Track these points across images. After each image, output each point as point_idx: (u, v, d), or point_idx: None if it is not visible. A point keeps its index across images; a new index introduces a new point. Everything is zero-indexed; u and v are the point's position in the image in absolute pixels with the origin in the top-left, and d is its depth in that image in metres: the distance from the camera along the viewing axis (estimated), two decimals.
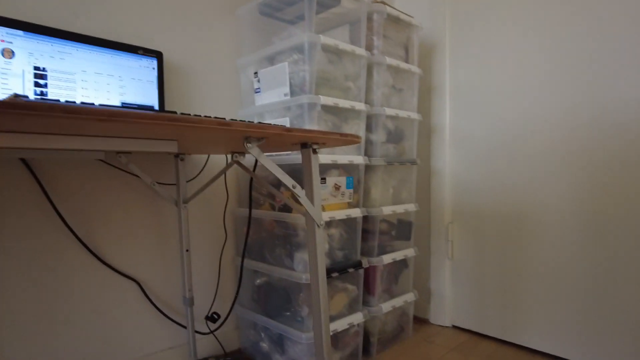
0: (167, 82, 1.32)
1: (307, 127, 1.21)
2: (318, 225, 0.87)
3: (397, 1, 1.85)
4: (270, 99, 1.30)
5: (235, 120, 0.69)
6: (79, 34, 1.08)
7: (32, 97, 1.00)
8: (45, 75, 1.02)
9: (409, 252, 1.57)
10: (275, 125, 0.74)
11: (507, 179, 1.52)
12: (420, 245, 1.81)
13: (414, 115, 1.56)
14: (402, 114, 1.48)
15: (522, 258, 1.49)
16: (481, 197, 1.61)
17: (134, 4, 1.23)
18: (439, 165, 1.71)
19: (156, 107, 1.22)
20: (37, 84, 1.01)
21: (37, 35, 1.02)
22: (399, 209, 1.49)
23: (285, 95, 1.25)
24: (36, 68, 1.01)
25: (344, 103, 1.26)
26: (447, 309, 1.72)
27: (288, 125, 1.24)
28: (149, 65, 1.21)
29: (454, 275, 1.72)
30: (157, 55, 1.23)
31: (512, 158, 1.50)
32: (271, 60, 1.32)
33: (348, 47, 1.28)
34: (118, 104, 1.14)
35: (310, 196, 0.89)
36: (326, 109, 1.22)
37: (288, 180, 0.83)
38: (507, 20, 1.50)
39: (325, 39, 1.19)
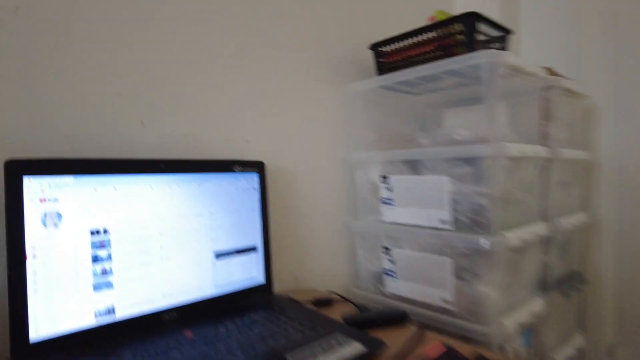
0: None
1: (485, 279, 0.80)
2: None
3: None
4: (412, 219, 0.89)
5: None
6: (153, 160, 0.69)
7: (90, 290, 0.61)
8: (107, 241, 0.63)
9: None
10: None
11: None
12: None
13: (584, 218, 1.14)
14: (575, 221, 1.07)
15: None
16: None
17: (215, 101, 0.83)
18: (599, 271, 1.29)
19: (260, 245, 0.82)
20: (95, 259, 0.61)
21: (94, 176, 0.62)
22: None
23: (444, 223, 0.83)
24: (93, 233, 0.62)
25: (529, 235, 0.85)
26: None
27: (450, 273, 0.83)
28: (248, 185, 0.81)
29: None
30: (258, 168, 0.83)
31: None
32: (413, 165, 0.91)
33: (531, 149, 0.86)
34: (211, 256, 0.74)
35: None
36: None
37: None
38: None
39: (512, 148, 0.78)
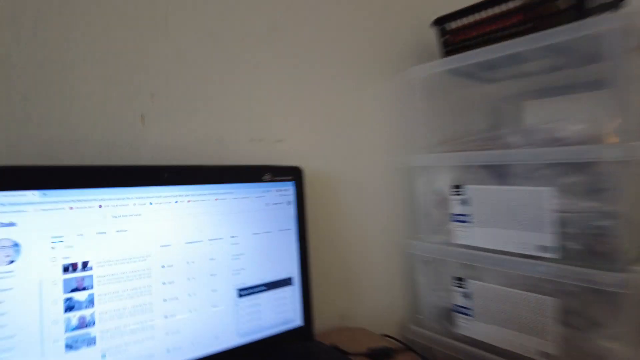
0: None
1: (609, 329, 0.57)
2: None
3: None
4: (497, 243, 0.68)
5: None
6: (154, 167, 0.51)
7: (61, 350, 0.43)
8: (88, 279, 0.45)
9: None
10: None
11: None
12: None
13: None
14: None
15: None
16: None
17: (237, 90, 0.64)
18: None
19: (296, 276, 0.62)
20: (70, 305, 0.43)
21: (70, 190, 0.44)
22: None
23: (545, 250, 0.61)
24: (68, 269, 0.44)
25: None
26: None
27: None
28: (281, 199, 0.62)
29: None
30: (294, 176, 0.63)
31: None
32: (498, 172, 0.69)
33: None
34: (233, 294, 0.55)
35: None
36: None
37: None
38: None
39: None
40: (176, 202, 0.52)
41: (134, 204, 0.49)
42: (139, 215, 0.50)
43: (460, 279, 0.74)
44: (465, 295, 0.73)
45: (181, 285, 0.52)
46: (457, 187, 0.74)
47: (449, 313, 0.77)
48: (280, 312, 0.61)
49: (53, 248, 0.44)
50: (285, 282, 0.62)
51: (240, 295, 0.57)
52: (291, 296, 0.62)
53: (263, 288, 0.59)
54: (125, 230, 0.49)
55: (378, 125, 0.82)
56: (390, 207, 0.84)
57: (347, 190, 0.77)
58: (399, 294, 0.85)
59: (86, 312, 0.46)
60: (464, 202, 0.73)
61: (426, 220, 0.81)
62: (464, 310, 0.74)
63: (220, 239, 0.56)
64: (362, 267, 0.79)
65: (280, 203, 0.63)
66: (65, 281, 0.45)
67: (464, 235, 0.74)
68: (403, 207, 0.85)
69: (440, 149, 0.79)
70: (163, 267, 0.51)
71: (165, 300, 0.51)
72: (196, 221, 0.54)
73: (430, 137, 0.82)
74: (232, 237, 0.57)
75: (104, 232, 0.47)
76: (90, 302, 0.46)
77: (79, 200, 0.46)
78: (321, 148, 0.74)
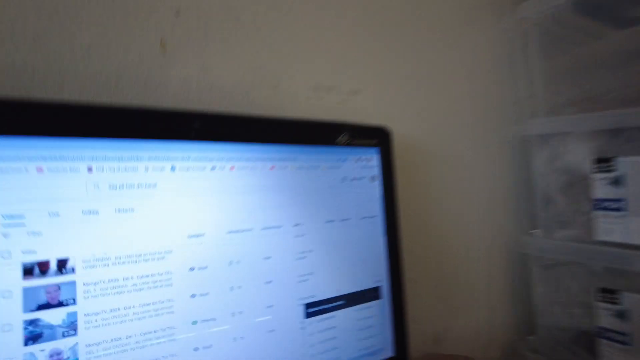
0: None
1: None
2: None
3: None
4: None
5: None
6: (179, 114, 0.30)
7: None
8: (69, 287, 0.26)
9: None
10: None
11: None
12: None
13: None
14: None
15: None
16: None
17: (298, 18, 0.43)
18: None
19: (385, 284, 0.41)
20: (34, 336, 0.24)
21: (38, 139, 0.24)
22: None
23: None
24: (32, 270, 0.24)
25: None
26: None
27: None
28: (363, 172, 0.41)
29: None
30: (380, 139, 0.43)
31: None
32: None
33: None
34: (298, 312, 0.34)
35: None
36: None
37: None
38: None
39: None
40: (212, 168, 0.33)
41: (146, 168, 0.30)
42: (154, 186, 0.30)
43: (610, 292, 0.51)
44: (618, 315, 0.51)
45: (220, 299, 0.33)
46: (604, 160, 0.52)
47: (587, 338, 0.55)
48: (364, 338, 0.41)
49: (6, 235, 0.25)
50: (372, 293, 0.42)
51: (309, 315, 0.37)
52: (380, 314, 0.42)
53: (341, 303, 0.39)
54: (131, 210, 0.29)
55: (481, 79, 0.61)
56: (496, 190, 0.62)
57: (440, 165, 0.56)
58: (507, 309, 0.63)
59: (63, 344, 0.27)
60: (615, 182, 0.51)
61: (548, 209, 0.59)
62: (614, 335, 0.52)
63: (278, 227, 0.36)
64: (460, 272, 0.58)
65: (362, 178, 0.42)
66: (27, 291, 0.26)
67: (613, 228, 0.52)
68: (514, 191, 0.64)
69: (571, 111, 0.56)
70: (192, 269, 0.32)
71: (194, 322, 0.31)
72: (243, 199, 0.34)
73: (553, 95, 0.59)
74: (296, 225, 0.37)
75: (96, 212, 0.28)
76: (71, 327, 0.27)
77: (53, 158, 0.27)
78: (408, 106, 0.53)
